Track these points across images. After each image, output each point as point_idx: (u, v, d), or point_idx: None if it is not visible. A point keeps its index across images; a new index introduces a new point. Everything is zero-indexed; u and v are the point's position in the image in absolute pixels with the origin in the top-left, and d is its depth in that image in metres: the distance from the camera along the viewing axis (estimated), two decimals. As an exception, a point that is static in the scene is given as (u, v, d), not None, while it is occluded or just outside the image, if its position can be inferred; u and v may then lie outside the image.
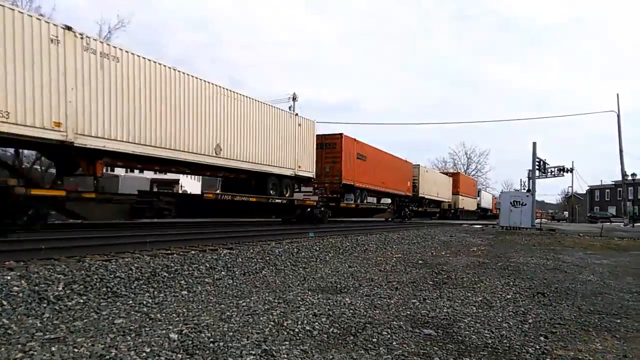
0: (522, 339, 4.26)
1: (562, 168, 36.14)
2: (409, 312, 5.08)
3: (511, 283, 7.28)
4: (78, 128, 10.03)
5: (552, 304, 5.84)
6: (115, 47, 11.21)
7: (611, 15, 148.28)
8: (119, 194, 15.89)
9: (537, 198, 35.14)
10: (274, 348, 3.62)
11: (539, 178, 32.63)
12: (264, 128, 16.54)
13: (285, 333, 4.07)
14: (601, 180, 77.31)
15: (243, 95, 15.69)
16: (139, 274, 6.38)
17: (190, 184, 39.98)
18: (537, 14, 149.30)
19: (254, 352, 3.50)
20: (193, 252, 8.81)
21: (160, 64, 12.23)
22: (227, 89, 14.82)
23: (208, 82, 14.00)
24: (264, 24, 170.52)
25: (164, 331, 3.94)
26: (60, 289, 5.27)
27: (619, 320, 5.07)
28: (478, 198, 52.62)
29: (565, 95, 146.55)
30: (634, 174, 39.71)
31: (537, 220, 29.15)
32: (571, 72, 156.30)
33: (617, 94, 34.43)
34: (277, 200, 17.40)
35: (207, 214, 16.58)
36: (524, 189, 38.57)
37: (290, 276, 7.37)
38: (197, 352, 3.48)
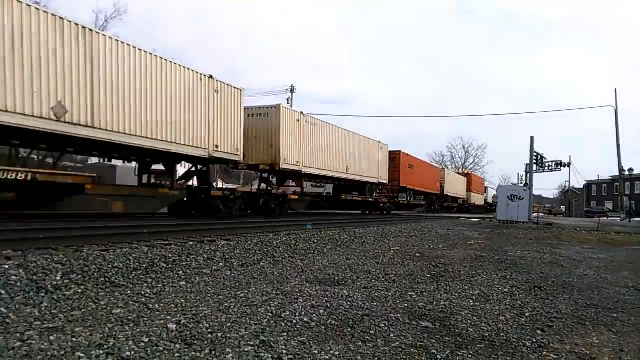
0: (519, 332, 4.28)
1: (559, 163, 36.21)
2: (406, 305, 5.09)
3: (508, 277, 7.31)
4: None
5: (549, 298, 5.87)
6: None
7: (611, 9, 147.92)
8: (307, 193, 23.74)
9: (535, 192, 35.28)
10: (272, 339, 3.63)
11: (537, 172, 32.69)
12: (365, 155, 24.49)
13: (284, 324, 4.08)
14: (598, 175, 77.36)
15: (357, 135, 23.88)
16: (137, 264, 6.38)
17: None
18: (537, 8, 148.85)
19: (252, 343, 3.51)
20: (191, 243, 8.80)
21: None
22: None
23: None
24: (262, 17, 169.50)
25: (162, 321, 3.94)
26: (58, 278, 5.26)
27: (615, 315, 5.10)
28: (485, 194, 60.47)
29: (563, 91, 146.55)
30: (631, 169, 39.75)
31: (534, 215, 29.24)
32: (569, 66, 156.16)
33: (615, 89, 34.34)
34: (369, 199, 26.92)
35: (329, 207, 25.44)
36: (522, 183, 38.58)
37: (288, 268, 7.39)
38: (196, 342, 3.49)
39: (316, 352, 3.44)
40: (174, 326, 3.81)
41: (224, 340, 3.56)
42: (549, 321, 4.72)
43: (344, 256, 8.87)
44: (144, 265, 6.39)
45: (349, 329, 4.09)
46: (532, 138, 30.27)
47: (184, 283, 5.86)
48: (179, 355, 3.23)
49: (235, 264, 7.37)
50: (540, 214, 43.01)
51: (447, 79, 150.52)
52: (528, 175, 31.41)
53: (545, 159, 34.19)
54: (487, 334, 4.15)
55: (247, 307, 4.59)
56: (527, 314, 4.96)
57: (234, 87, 15.27)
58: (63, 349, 3.20)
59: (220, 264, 7.23)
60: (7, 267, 5.28)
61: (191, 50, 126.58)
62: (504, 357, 3.57)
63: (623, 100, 72.48)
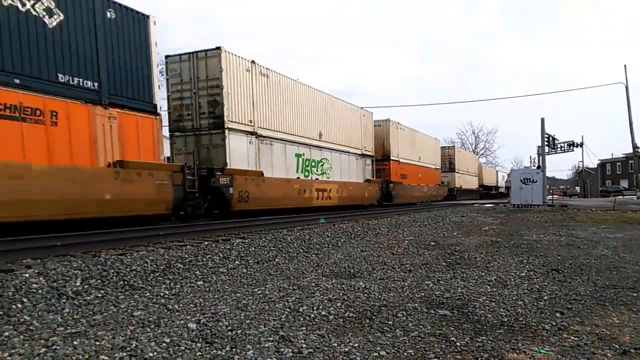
0: (538, 315, 4.26)
1: (571, 143, 35.78)
2: (423, 294, 5.09)
3: (525, 261, 7.27)
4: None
5: (567, 280, 5.83)
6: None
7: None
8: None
9: (548, 174, 34.91)
10: (291, 334, 3.66)
11: (549, 154, 32.38)
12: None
13: (302, 319, 4.11)
14: (612, 154, 76.41)
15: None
16: (155, 266, 6.45)
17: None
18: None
19: (271, 339, 3.54)
20: (206, 242, 8.88)
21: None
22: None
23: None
24: (266, 10, 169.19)
25: (182, 321, 3.99)
26: (78, 284, 5.35)
27: (635, 294, 5.05)
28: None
29: (573, 70, 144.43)
30: (645, 146, 39.13)
31: (549, 197, 28.97)
32: (579, 46, 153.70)
33: (625, 65, 33.87)
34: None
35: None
36: (534, 166, 38.27)
37: (304, 263, 7.42)
38: (216, 340, 3.53)
39: (335, 344, 3.46)
40: (194, 325, 3.85)
41: (244, 337, 3.59)
42: (568, 303, 4.69)
43: (359, 248, 8.88)
44: (161, 267, 6.46)
45: (367, 321, 4.10)
46: (542, 120, 29.94)
47: (201, 283, 5.92)
48: (200, 354, 3.27)
49: (250, 261, 7.43)
50: (555, 196, 42.66)
51: (453, 66, 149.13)
52: (540, 157, 31.10)
53: (557, 140, 33.83)
54: (505, 319, 4.14)
55: (265, 303, 4.62)
56: (545, 297, 4.93)
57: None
58: (87, 353, 3.26)
59: (236, 262, 7.29)
60: (27, 275, 5.38)
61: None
62: (524, 342, 3.55)
63: (634, 77, 71.56)
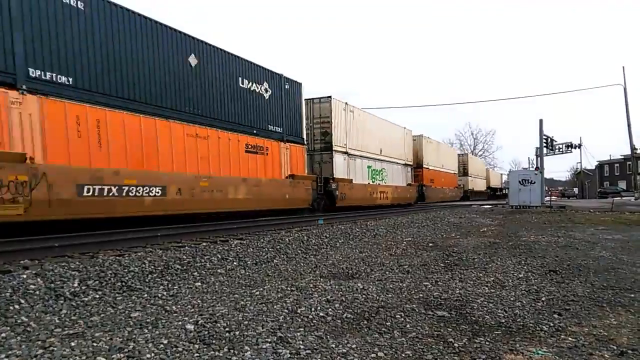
0: (536, 317, 4.27)
1: (570, 144, 35.82)
2: (421, 295, 5.10)
3: (523, 262, 7.28)
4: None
5: (565, 281, 5.83)
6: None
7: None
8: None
9: (546, 175, 34.95)
10: (289, 335, 3.66)
11: (547, 155, 32.39)
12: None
13: (300, 320, 4.11)
14: (610, 155, 76.67)
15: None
16: (152, 267, 6.45)
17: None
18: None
19: (269, 340, 3.54)
20: (204, 243, 8.87)
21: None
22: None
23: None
24: (261, 13, 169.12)
25: (180, 322, 3.99)
26: (75, 285, 5.34)
27: (632, 295, 5.05)
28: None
29: (572, 72, 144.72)
30: (643, 147, 39.24)
31: (547, 198, 29.02)
32: (577, 47, 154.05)
33: (623, 67, 33.97)
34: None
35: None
36: (532, 167, 38.33)
37: (302, 264, 7.42)
38: (214, 341, 3.52)
39: (333, 345, 3.46)
40: (192, 327, 3.85)
41: (242, 338, 3.59)
42: (566, 304, 4.70)
43: (357, 249, 8.89)
44: (159, 268, 6.45)
45: (365, 322, 4.10)
46: (540, 121, 29.97)
47: (199, 284, 5.92)
48: (198, 355, 3.26)
49: (249, 262, 7.42)
50: (553, 197, 42.79)
51: (451, 67, 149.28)
52: (538, 158, 31.14)
53: (555, 141, 33.86)
54: (503, 320, 4.14)
55: (263, 304, 4.62)
56: (543, 299, 4.94)
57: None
58: (85, 354, 3.25)
59: (234, 263, 7.28)
60: (25, 276, 5.37)
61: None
62: (522, 343, 3.56)
63: (633, 78, 71.63)
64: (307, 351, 3.34)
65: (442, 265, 7.09)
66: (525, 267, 6.81)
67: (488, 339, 3.65)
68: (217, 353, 3.30)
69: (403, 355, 3.31)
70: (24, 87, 8.47)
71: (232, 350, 3.34)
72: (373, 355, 3.30)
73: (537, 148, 31.32)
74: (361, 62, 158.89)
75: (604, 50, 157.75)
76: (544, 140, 30.61)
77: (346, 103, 21.81)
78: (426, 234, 11.73)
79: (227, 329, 3.79)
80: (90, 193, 9.36)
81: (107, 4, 10.05)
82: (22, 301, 4.67)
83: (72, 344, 3.49)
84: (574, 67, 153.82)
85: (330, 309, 4.44)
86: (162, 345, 3.42)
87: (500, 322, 4.09)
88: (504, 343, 3.56)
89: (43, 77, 8.79)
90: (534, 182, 25.34)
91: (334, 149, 20.27)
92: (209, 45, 13.03)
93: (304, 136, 18.00)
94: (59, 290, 5.10)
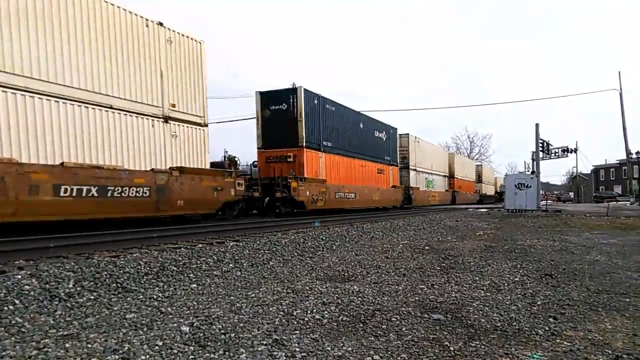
0: (531, 320, 4.27)
1: (566, 148, 36.04)
2: (417, 298, 5.10)
3: (518, 266, 7.29)
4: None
5: (560, 285, 5.85)
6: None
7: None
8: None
9: (542, 179, 35.14)
10: (284, 337, 3.65)
11: (543, 159, 32.57)
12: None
13: (295, 322, 4.10)
14: (606, 160, 76.96)
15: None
16: (148, 268, 6.42)
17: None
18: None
19: (265, 342, 3.53)
20: (200, 245, 8.85)
21: None
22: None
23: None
24: (262, 15, 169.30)
25: (175, 324, 3.97)
26: (70, 286, 5.32)
27: (627, 299, 5.07)
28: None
29: (568, 76, 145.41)
30: (638, 152, 39.49)
31: (543, 202, 29.10)
32: (573, 53, 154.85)
33: (619, 72, 34.21)
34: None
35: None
36: (528, 171, 38.47)
37: (298, 266, 7.41)
38: (209, 343, 3.51)
39: (329, 348, 3.46)
40: (187, 329, 3.83)
41: (237, 340, 3.58)
42: (561, 309, 4.71)
43: (353, 252, 8.88)
44: (155, 270, 6.43)
45: (361, 325, 4.10)
46: (537, 125, 30.16)
47: (195, 285, 5.90)
48: (193, 357, 3.25)
49: (245, 264, 7.41)
50: (549, 201, 43.01)
51: (449, 71, 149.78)
52: (534, 162, 31.26)
53: (552, 145, 34.08)
54: (499, 324, 4.15)
55: (259, 306, 4.61)
56: (538, 303, 4.95)
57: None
58: (79, 356, 3.24)
59: (230, 265, 7.26)
60: (19, 276, 5.34)
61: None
62: (517, 346, 3.56)
63: (628, 83, 72.12)
64: (303, 354, 3.33)
65: (438, 268, 7.10)
66: (521, 271, 6.82)
67: (484, 343, 3.65)
68: (212, 355, 3.28)
69: (399, 358, 3.31)
70: (321, 149, 19.85)
71: (227, 353, 3.33)
72: (369, 358, 3.30)
73: (533, 152, 31.47)
74: (361, 63, 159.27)
75: (600, 55, 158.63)
76: (540, 145, 30.74)
77: (416, 137, 33.05)
78: (422, 237, 11.74)
79: (222, 331, 3.78)
80: (339, 197, 21.03)
81: (339, 106, 21.66)
82: (17, 302, 4.64)
83: (67, 345, 3.47)
84: (570, 72, 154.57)
85: (326, 312, 4.43)
86: (157, 347, 3.41)
87: (496, 326, 4.10)
88: (499, 347, 3.56)
89: (325, 144, 20.10)
90: (530, 186, 25.44)
91: (411, 167, 31.85)
92: (366, 116, 25.19)
93: (398, 160, 29.55)
94: (54, 291, 5.07)
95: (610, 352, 3.43)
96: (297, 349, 3.41)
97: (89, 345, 3.45)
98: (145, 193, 11.29)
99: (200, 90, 13.99)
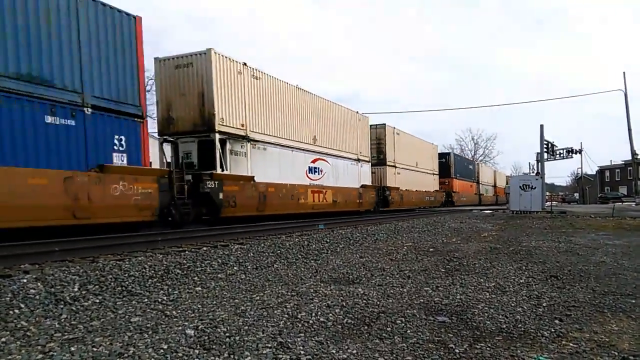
0: (537, 322, 4.25)
1: (570, 150, 35.89)
2: (422, 300, 5.08)
3: (524, 267, 7.26)
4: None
5: (566, 287, 5.82)
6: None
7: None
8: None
9: (547, 181, 34.98)
10: (289, 340, 3.65)
11: (548, 160, 32.45)
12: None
13: (300, 325, 4.10)
14: (611, 160, 76.50)
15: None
16: (153, 272, 6.44)
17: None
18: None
19: (270, 345, 3.53)
20: (205, 248, 8.87)
21: None
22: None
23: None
24: (264, 17, 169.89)
25: (180, 327, 3.98)
26: (75, 289, 5.33)
27: (634, 301, 5.04)
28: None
29: (573, 77, 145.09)
30: (644, 153, 39.19)
31: (548, 203, 29.00)
32: (578, 53, 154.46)
33: (624, 73, 34.05)
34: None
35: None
36: (533, 172, 38.38)
37: (302, 269, 7.40)
38: (214, 347, 3.51)
39: (334, 351, 3.45)
40: (192, 332, 3.84)
41: (242, 343, 3.58)
42: (567, 310, 4.69)
43: (358, 254, 8.87)
44: (160, 273, 6.44)
45: (366, 327, 4.09)
46: (541, 126, 30.04)
47: (199, 288, 5.90)
48: (198, 360, 3.26)
49: (249, 267, 7.41)
50: (554, 202, 42.85)
51: (452, 74, 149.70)
52: (539, 163, 31.15)
53: (556, 146, 33.95)
54: (504, 326, 4.13)
55: (263, 309, 4.61)
56: (544, 304, 4.92)
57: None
58: (84, 359, 3.25)
59: (235, 267, 7.27)
60: (25, 280, 5.36)
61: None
62: (523, 348, 3.55)
63: (634, 83, 71.71)
64: (308, 357, 3.33)
65: (442, 270, 7.08)
66: (526, 273, 6.80)
67: (489, 345, 3.64)
68: (217, 358, 3.29)
69: (404, 360, 3.30)
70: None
71: (232, 356, 3.33)
72: (373, 360, 3.29)
73: (537, 153, 31.37)
74: (362, 63, 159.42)
75: (605, 55, 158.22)
76: (545, 146, 30.65)
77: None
78: (427, 239, 11.71)
79: (227, 334, 3.78)
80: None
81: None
82: (22, 305, 4.66)
83: (72, 348, 3.48)
84: (576, 73, 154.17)
85: (330, 314, 4.42)
86: (162, 350, 3.41)
87: (501, 328, 4.08)
88: (505, 349, 3.55)
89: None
90: (535, 187, 25.33)
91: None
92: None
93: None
94: (59, 294, 5.09)
95: (616, 353, 3.41)
96: (302, 352, 3.41)
97: (94, 349, 3.45)
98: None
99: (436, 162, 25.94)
